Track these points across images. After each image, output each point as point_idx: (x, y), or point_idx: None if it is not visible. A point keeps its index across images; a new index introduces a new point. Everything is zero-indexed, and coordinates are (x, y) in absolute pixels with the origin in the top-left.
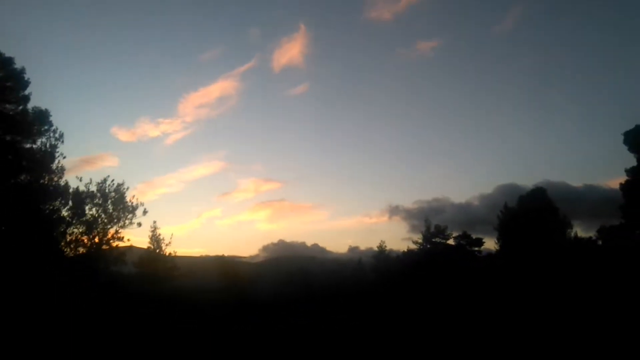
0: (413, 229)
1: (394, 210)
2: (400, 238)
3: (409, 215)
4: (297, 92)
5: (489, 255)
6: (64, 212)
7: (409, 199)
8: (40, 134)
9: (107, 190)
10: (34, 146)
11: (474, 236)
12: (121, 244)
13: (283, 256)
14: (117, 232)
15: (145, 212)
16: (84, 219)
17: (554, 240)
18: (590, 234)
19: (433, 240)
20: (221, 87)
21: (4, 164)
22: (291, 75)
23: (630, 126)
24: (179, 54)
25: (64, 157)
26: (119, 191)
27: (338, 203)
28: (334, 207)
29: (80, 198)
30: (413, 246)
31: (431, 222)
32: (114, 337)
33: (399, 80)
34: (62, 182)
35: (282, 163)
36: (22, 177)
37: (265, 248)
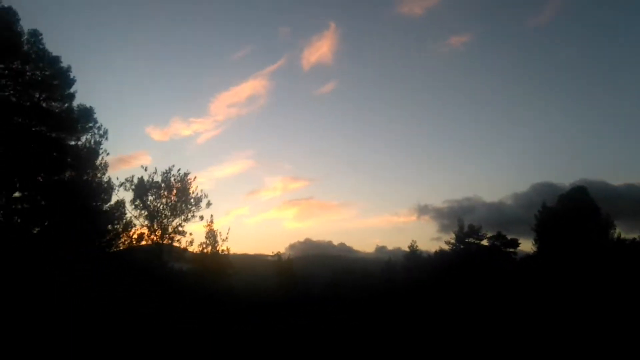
0: (443, 228)
1: (423, 210)
2: (429, 238)
3: (439, 214)
4: (326, 90)
5: (527, 257)
6: (106, 207)
7: (439, 198)
8: (85, 130)
9: (172, 181)
10: (79, 143)
11: (509, 237)
12: (183, 239)
13: (310, 255)
14: (180, 225)
15: (209, 204)
16: (145, 212)
17: (597, 242)
18: (634, 235)
19: (466, 240)
20: (251, 87)
21: (49, 161)
22: (320, 73)
23: None
24: (211, 55)
25: (108, 154)
26: (184, 181)
27: (366, 202)
28: (361, 205)
29: (143, 189)
30: (444, 246)
31: (464, 221)
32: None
33: (429, 76)
34: (105, 179)
35: (310, 161)
36: (67, 174)
37: (292, 247)
